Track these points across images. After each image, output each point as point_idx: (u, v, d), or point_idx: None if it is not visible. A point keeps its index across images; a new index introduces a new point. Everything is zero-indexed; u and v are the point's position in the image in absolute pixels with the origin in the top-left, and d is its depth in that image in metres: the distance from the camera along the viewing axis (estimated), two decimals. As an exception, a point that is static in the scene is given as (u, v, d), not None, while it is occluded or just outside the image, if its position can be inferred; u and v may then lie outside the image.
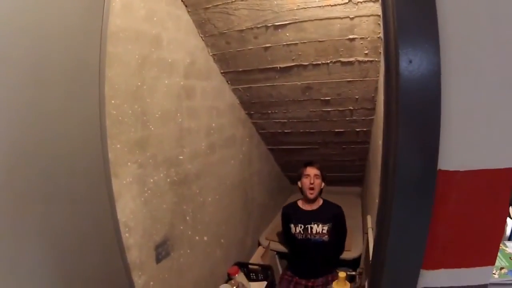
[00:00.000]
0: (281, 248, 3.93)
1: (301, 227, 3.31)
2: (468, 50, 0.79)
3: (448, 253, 0.94)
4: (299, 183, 3.39)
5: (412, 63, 0.81)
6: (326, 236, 3.24)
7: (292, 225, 3.37)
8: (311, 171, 3.26)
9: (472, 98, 0.81)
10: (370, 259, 1.40)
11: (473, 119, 0.82)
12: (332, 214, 3.31)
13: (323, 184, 3.34)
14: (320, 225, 3.25)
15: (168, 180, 2.28)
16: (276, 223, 4.29)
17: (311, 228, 3.27)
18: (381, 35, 2.23)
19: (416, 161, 0.85)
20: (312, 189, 3.25)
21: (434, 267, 0.96)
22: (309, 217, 3.32)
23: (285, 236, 3.57)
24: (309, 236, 3.27)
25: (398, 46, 0.82)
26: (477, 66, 0.79)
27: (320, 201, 3.41)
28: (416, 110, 0.82)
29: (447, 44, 0.79)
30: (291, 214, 3.44)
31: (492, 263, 0.97)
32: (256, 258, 3.75)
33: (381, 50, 2.54)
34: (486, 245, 0.95)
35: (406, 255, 0.94)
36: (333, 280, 2.65)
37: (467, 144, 0.83)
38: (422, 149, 0.84)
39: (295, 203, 3.52)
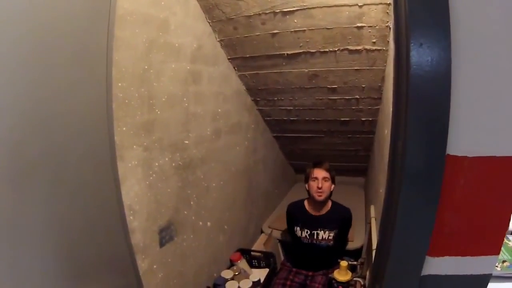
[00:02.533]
0: (284, 236, 3.94)
1: (307, 232, 3.19)
2: (479, 34, 0.78)
3: (454, 240, 0.94)
4: (306, 185, 3.20)
5: (422, 46, 0.80)
6: (332, 241, 3.14)
7: (297, 228, 3.24)
8: (319, 173, 3.06)
9: (483, 83, 0.80)
10: (375, 245, 1.40)
11: (484, 105, 0.81)
12: (340, 219, 3.18)
13: (332, 186, 3.16)
14: (327, 232, 3.13)
15: (173, 164, 2.29)
16: (280, 211, 4.30)
17: (317, 234, 3.15)
18: (392, 17, 2.21)
19: (425, 145, 0.84)
20: (320, 192, 3.06)
21: (439, 254, 0.96)
22: (316, 223, 3.18)
23: (289, 233, 3.46)
24: (314, 241, 3.17)
25: (409, 29, 0.81)
26: (489, 51, 0.79)
27: (329, 205, 3.23)
28: (426, 93, 0.81)
29: (458, 28, 0.78)
30: (297, 216, 3.29)
31: (497, 252, 0.97)
32: (258, 245, 3.76)
33: (390, 38, 2.52)
34: (492, 234, 0.95)
35: (412, 240, 0.94)
36: (333, 271, 2.65)
37: (476, 130, 0.83)
38: (431, 133, 0.83)
39: (302, 203, 3.34)
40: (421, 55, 0.80)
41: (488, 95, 0.81)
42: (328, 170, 3.09)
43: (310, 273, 3.21)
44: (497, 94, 0.80)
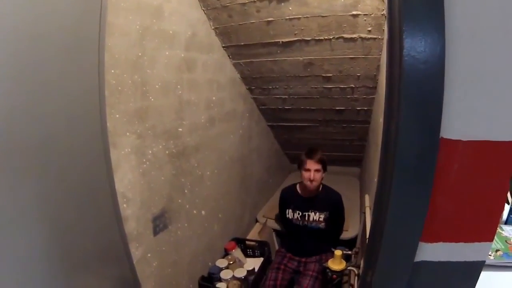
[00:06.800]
0: (278, 226, 3.96)
1: (298, 213, 3.32)
2: (474, 15, 0.77)
3: (447, 225, 0.93)
4: (299, 171, 3.28)
5: (416, 28, 0.79)
6: (323, 223, 3.25)
7: (289, 210, 3.38)
8: (312, 165, 3.14)
9: (478, 65, 0.79)
10: (369, 232, 1.39)
11: (478, 87, 0.80)
12: (330, 202, 3.30)
13: (324, 174, 3.24)
14: (318, 213, 3.26)
15: (167, 152, 2.28)
16: (274, 201, 4.31)
17: (308, 215, 3.28)
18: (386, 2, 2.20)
19: (419, 127, 0.83)
20: (312, 182, 3.16)
21: (433, 240, 0.95)
22: (307, 204, 3.31)
23: (281, 218, 3.58)
24: (306, 223, 3.29)
25: (402, 10, 0.80)
26: (484, 32, 0.77)
27: (320, 188, 3.36)
28: (420, 75, 0.80)
29: (452, 9, 0.77)
30: (290, 199, 3.43)
31: (491, 239, 0.97)
32: (253, 235, 3.78)
33: (385, 26, 2.51)
34: (486, 220, 0.94)
35: (405, 225, 0.93)
36: (326, 259, 2.66)
37: (470, 113, 0.82)
38: (425, 115, 0.82)
39: (294, 187, 3.47)
40: (414, 37, 0.79)
41: (483, 78, 0.79)
42: (320, 161, 3.16)
43: (303, 260, 3.27)
44: (493, 77, 0.79)
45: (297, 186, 3.45)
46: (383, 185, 1.00)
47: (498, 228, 1.84)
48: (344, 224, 3.50)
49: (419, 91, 0.81)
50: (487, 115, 0.82)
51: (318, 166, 3.14)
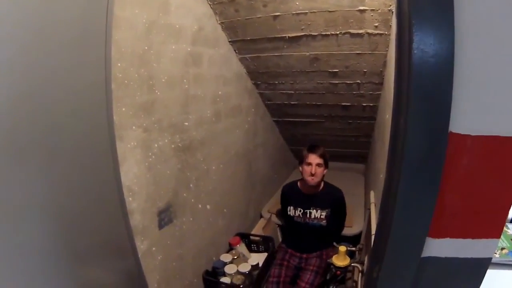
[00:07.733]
0: (278, 218, 3.98)
1: (300, 211, 3.29)
2: (484, 8, 0.77)
3: (455, 221, 0.93)
4: (300, 167, 3.26)
5: (425, 21, 0.79)
6: (324, 221, 3.22)
7: (291, 208, 3.34)
8: (314, 159, 3.09)
9: (488, 59, 0.78)
10: (376, 227, 1.39)
11: (488, 82, 0.79)
12: (332, 199, 3.26)
13: (325, 170, 3.22)
14: (319, 211, 3.22)
15: (173, 146, 2.28)
16: (279, 196, 4.31)
17: (310, 213, 3.24)
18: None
19: (427, 121, 0.83)
20: (313, 177, 3.11)
21: (440, 236, 0.95)
22: (308, 202, 3.26)
23: (283, 214, 3.56)
24: (307, 220, 3.26)
25: (412, 3, 0.80)
26: (494, 25, 0.77)
27: (321, 185, 3.31)
28: (429, 68, 0.79)
29: (462, 4, 0.76)
30: (291, 196, 3.40)
31: (498, 235, 0.96)
32: (257, 230, 3.78)
33: (392, 22, 2.50)
34: (493, 216, 0.94)
35: (413, 220, 0.93)
36: (327, 255, 2.66)
37: (479, 107, 0.81)
38: (434, 109, 0.81)
39: (296, 184, 3.44)
40: (423, 30, 0.79)
41: (493, 72, 0.79)
42: (322, 156, 3.13)
43: (305, 255, 3.27)
44: (502, 71, 0.78)
45: (298, 183, 3.41)
46: (391, 180, 1.00)
47: (504, 227, 1.83)
48: (345, 221, 3.48)
49: (428, 85, 0.80)
50: (496, 110, 0.81)
51: (320, 161, 3.10)
